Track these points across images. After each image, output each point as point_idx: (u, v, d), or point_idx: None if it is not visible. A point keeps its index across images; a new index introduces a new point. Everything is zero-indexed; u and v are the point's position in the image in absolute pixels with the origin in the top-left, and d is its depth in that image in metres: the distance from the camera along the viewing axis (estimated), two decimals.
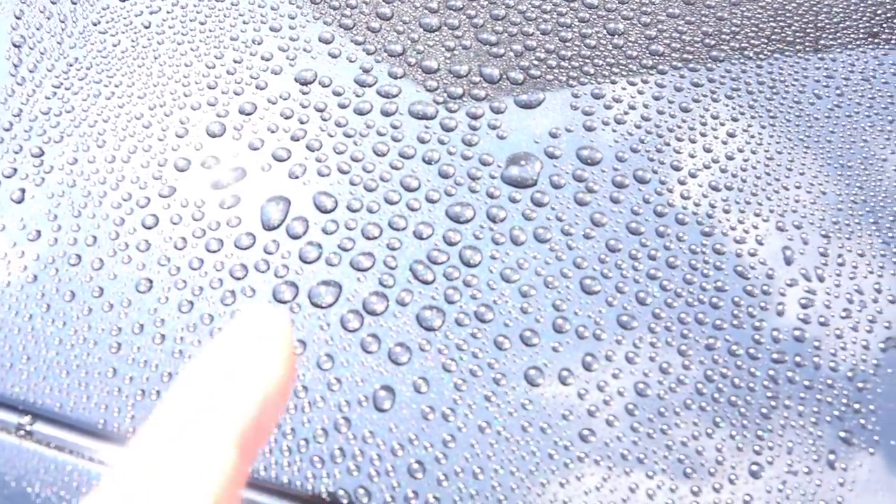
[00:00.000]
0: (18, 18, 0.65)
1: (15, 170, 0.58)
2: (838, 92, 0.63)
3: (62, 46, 0.63)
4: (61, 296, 0.53)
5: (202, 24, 0.64)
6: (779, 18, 0.67)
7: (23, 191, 0.57)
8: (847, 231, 0.57)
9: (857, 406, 0.51)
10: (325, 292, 0.53)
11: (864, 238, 0.57)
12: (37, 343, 0.52)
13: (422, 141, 0.59)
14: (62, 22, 0.65)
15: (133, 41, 0.63)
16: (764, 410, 0.50)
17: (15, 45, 0.63)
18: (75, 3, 0.66)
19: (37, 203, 0.57)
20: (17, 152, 0.58)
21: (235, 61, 0.62)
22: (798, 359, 0.52)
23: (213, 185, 0.57)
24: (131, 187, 0.57)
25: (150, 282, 0.54)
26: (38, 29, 0.64)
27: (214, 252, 0.54)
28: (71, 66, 0.62)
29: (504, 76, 0.62)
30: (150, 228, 0.55)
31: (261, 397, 0.30)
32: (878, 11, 0.68)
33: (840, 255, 0.56)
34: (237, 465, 0.29)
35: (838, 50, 0.65)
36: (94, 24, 0.64)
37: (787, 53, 0.65)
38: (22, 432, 0.50)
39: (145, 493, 0.28)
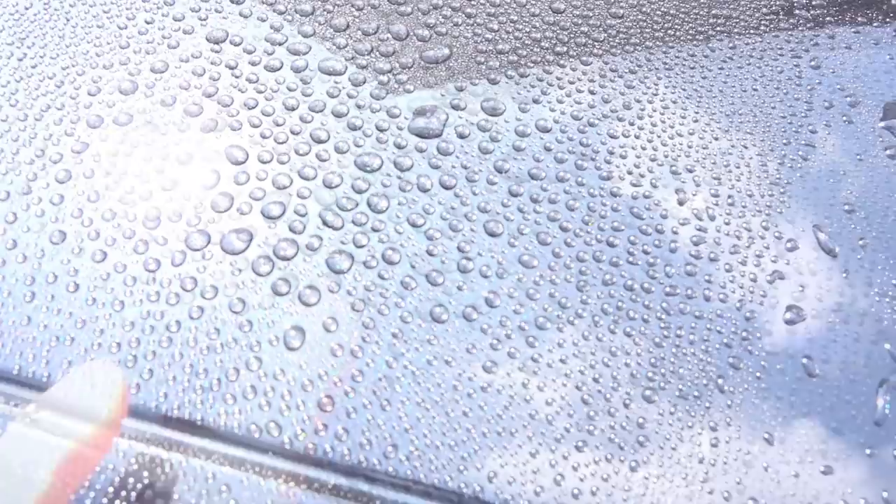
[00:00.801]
0: None
1: None
2: (731, 45, 0.66)
3: None
4: None
5: None
6: None
7: None
8: (737, 173, 0.60)
9: (744, 334, 0.54)
10: (237, 239, 0.55)
11: (753, 180, 0.60)
12: None
13: (331, 95, 0.61)
14: None
15: (45, 3, 0.64)
16: (657, 340, 0.53)
17: None
18: None
19: None
20: None
21: (147, 22, 0.64)
22: (689, 291, 0.55)
23: (126, 142, 0.58)
24: (44, 143, 0.58)
25: (63, 233, 0.55)
26: None
27: (126, 204, 0.56)
28: None
29: (411, 33, 0.64)
30: (62, 183, 0.56)
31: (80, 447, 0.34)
32: None
33: (730, 196, 0.59)
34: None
35: (732, 4, 0.68)
36: None
37: (682, 7, 0.68)
38: None
39: None
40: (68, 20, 0.63)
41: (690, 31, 0.66)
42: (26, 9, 0.64)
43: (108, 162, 0.57)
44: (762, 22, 0.68)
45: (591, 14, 0.66)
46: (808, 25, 0.68)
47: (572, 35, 0.65)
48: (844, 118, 0.63)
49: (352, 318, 0.53)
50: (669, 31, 0.66)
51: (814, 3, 0.70)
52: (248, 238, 0.55)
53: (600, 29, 0.66)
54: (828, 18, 0.69)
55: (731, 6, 0.69)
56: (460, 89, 0.62)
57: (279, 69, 0.62)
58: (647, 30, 0.66)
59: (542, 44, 0.65)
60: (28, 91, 0.60)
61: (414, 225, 0.56)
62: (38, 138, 0.58)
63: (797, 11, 0.69)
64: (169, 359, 0.51)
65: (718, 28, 0.67)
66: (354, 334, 0.52)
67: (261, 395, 0.50)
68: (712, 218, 0.58)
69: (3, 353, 0.51)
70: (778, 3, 0.69)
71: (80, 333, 0.52)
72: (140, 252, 0.54)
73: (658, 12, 0.67)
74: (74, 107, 0.59)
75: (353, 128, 0.59)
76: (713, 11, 0.68)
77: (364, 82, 0.62)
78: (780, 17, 0.68)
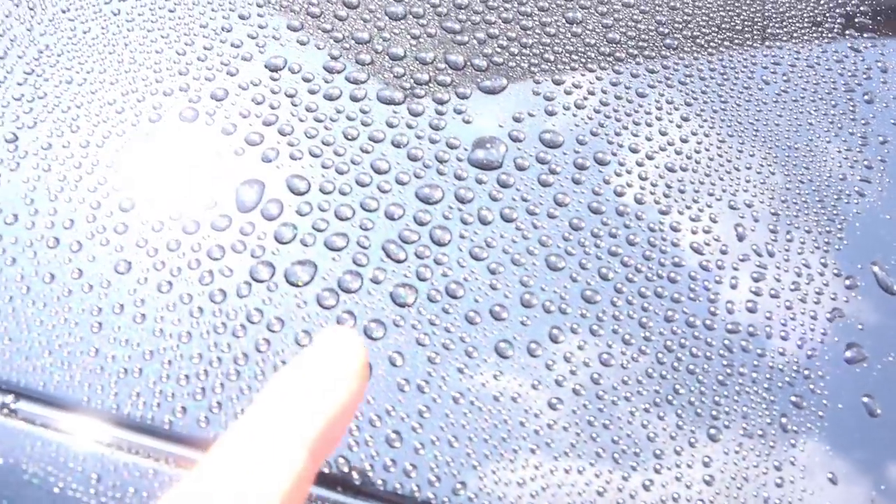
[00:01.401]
0: None
1: None
2: (785, 78, 0.66)
3: (32, 34, 0.64)
4: (41, 278, 0.54)
5: (171, 11, 0.65)
6: (728, 8, 0.70)
7: None
8: (794, 209, 0.60)
9: (806, 372, 0.54)
10: (301, 271, 0.55)
11: (811, 216, 0.60)
12: (18, 324, 0.53)
13: (390, 125, 0.61)
14: (31, 10, 0.65)
15: (103, 28, 0.64)
16: (720, 378, 0.53)
17: None
18: None
19: (13, 188, 0.57)
20: None
21: (206, 48, 0.64)
22: (751, 329, 0.55)
23: (189, 171, 0.58)
24: (107, 171, 0.58)
25: (129, 263, 0.55)
26: (6, 16, 0.65)
27: (191, 234, 0.56)
28: (42, 52, 0.63)
29: (468, 63, 0.64)
30: (126, 211, 0.57)
31: (333, 411, 0.35)
32: (822, 1, 0.71)
33: (788, 233, 0.59)
34: (308, 467, 0.34)
35: (784, 38, 0.69)
36: (64, 12, 0.65)
37: (735, 41, 0.68)
38: (6, 411, 0.51)
39: (226, 485, 0.32)
40: (127, 45, 0.63)
41: (744, 64, 0.67)
42: (84, 33, 0.64)
43: (171, 191, 0.57)
44: (815, 56, 0.68)
45: (645, 45, 0.67)
46: (861, 59, 0.69)
47: (628, 66, 0.65)
48: None
49: (417, 353, 0.53)
50: (723, 64, 0.67)
51: (865, 36, 0.70)
52: (313, 270, 0.55)
53: (655, 61, 0.66)
54: (881, 53, 0.69)
55: (784, 40, 0.69)
56: (518, 120, 0.62)
57: (338, 98, 0.62)
58: (702, 63, 0.66)
59: (598, 74, 0.65)
60: (89, 117, 0.60)
61: (476, 258, 0.56)
62: (101, 165, 0.58)
63: (850, 46, 0.69)
64: (237, 392, 0.51)
65: (772, 62, 0.67)
66: (420, 369, 0.52)
67: None
68: (771, 254, 0.58)
69: (72, 384, 0.51)
70: (830, 36, 0.70)
71: (148, 365, 0.52)
72: (205, 283, 0.54)
73: (711, 45, 0.68)
74: (136, 134, 0.60)
75: (414, 158, 0.60)
76: (766, 43, 0.68)
77: (423, 112, 0.62)
78: (833, 51, 0.69)
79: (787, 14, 0.70)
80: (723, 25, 0.69)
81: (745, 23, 0.69)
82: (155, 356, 0.52)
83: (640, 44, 0.67)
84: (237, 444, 0.34)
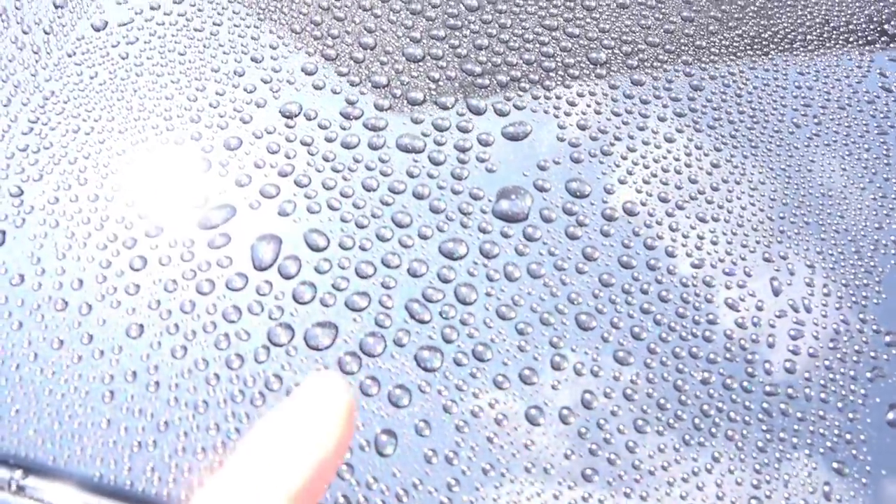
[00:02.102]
0: None
1: None
2: (816, 121, 0.64)
3: (37, 79, 0.61)
4: (49, 343, 0.52)
5: (182, 55, 0.63)
6: (756, 48, 0.68)
7: (3, 233, 0.55)
8: (831, 261, 0.58)
9: (847, 437, 0.52)
10: (322, 334, 0.53)
11: (848, 268, 0.58)
12: (25, 393, 0.50)
13: (411, 175, 0.59)
14: (35, 53, 0.63)
15: (111, 73, 0.62)
16: (760, 444, 0.51)
17: None
18: (48, 34, 0.64)
19: (18, 245, 0.55)
20: None
21: (218, 94, 0.61)
22: (790, 391, 0.53)
23: (202, 225, 0.56)
24: (117, 227, 0.56)
25: (142, 327, 0.52)
26: (10, 61, 0.62)
27: (206, 294, 0.53)
28: (47, 99, 0.60)
29: (490, 108, 0.62)
30: (138, 270, 0.54)
31: (317, 460, 0.33)
32: (850, 47, 0.69)
33: (825, 286, 0.57)
34: None
35: (814, 78, 0.67)
36: (70, 56, 0.63)
37: (766, 85, 0.66)
38: (14, 487, 0.48)
39: None
40: (136, 91, 0.61)
41: (774, 107, 0.64)
42: (91, 78, 0.62)
43: (183, 248, 0.55)
44: (847, 98, 0.66)
45: (671, 88, 0.64)
46: (893, 100, 0.66)
47: (655, 109, 0.63)
48: None
49: (444, 421, 0.51)
50: (753, 108, 0.64)
51: None
52: (334, 333, 0.53)
53: (682, 103, 0.64)
54: None
55: (814, 81, 0.67)
56: (543, 168, 0.60)
57: (356, 146, 0.60)
58: (730, 105, 0.64)
59: (624, 119, 0.62)
60: (97, 168, 0.58)
61: (504, 318, 0.54)
62: (111, 221, 0.56)
63: (882, 86, 0.67)
64: None
65: (802, 104, 0.65)
66: (448, 439, 0.50)
67: None
68: (808, 310, 0.56)
69: (83, 458, 0.49)
70: (862, 77, 0.68)
71: (162, 437, 0.49)
72: (221, 348, 0.52)
73: (739, 83, 0.65)
74: (147, 187, 0.57)
75: (436, 210, 0.57)
76: (796, 82, 0.66)
77: (444, 161, 0.59)
78: (865, 92, 0.66)
79: (816, 60, 0.68)
80: (752, 67, 0.66)
81: (775, 67, 0.67)
82: (170, 427, 0.50)
83: (667, 85, 0.64)
84: (218, 496, 0.32)
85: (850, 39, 0.69)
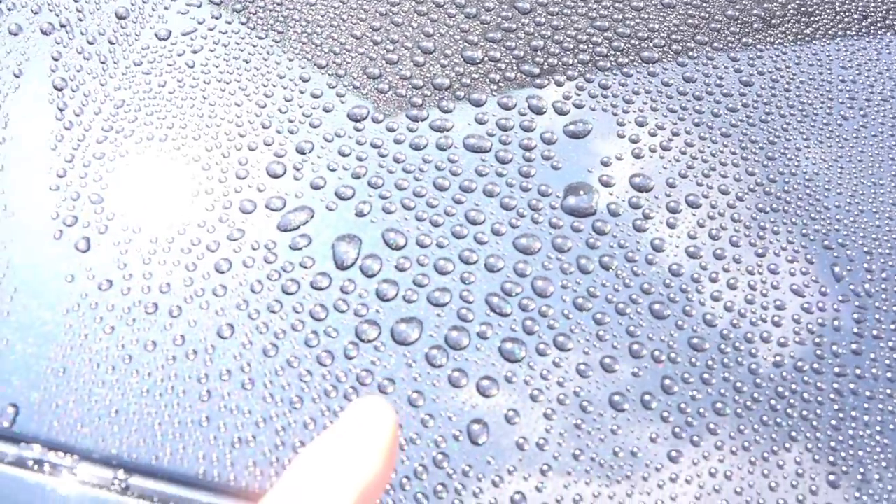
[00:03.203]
0: (56, 60, 0.64)
1: (76, 218, 0.57)
2: (862, 113, 0.66)
3: (106, 88, 0.63)
4: (142, 346, 0.53)
5: (247, 62, 0.64)
6: (799, 43, 0.70)
7: (87, 239, 0.56)
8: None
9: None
10: (408, 329, 0.54)
11: None
12: (123, 395, 0.51)
13: (480, 174, 0.60)
14: (102, 63, 0.64)
15: (179, 81, 0.63)
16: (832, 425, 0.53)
17: (57, 89, 0.63)
18: (113, 44, 0.65)
19: (104, 251, 0.56)
20: (75, 199, 0.58)
21: (286, 99, 0.63)
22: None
23: (282, 227, 0.57)
24: (199, 231, 0.57)
25: (232, 327, 0.54)
26: (78, 71, 0.63)
27: (292, 294, 0.55)
28: (119, 108, 0.62)
29: (550, 107, 0.64)
30: (223, 273, 0.55)
31: (364, 482, 0.35)
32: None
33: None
34: None
35: (857, 72, 0.69)
36: (137, 65, 0.64)
37: (811, 78, 0.68)
38: (119, 487, 0.49)
39: None
40: (205, 98, 0.62)
41: (822, 100, 0.67)
42: (160, 86, 0.63)
43: (266, 251, 0.56)
44: (889, 90, 0.68)
45: (723, 82, 0.66)
46: None
47: (708, 105, 0.65)
48: None
49: (532, 409, 0.52)
50: (801, 100, 0.66)
51: None
52: (419, 328, 0.54)
53: (734, 98, 0.66)
54: None
55: (857, 75, 0.69)
56: (606, 164, 0.61)
57: (424, 147, 0.61)
58: (780, 101, 0.66)
59: (680, 115, 0.64)
60: (174, 174, 0.59)
61: (581, 309, 0.55)
62: (192, 226, 0.57)
63: None
64: None
65: (848, 97, 0.67)
66: (538, 427, 0.52)
67: (452, 494, 0.50)
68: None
69: (185, 455, 0.50)
70: None
71: (261, 433, 0.51)
72: (311, 345, 0.53)
73: (787, 77, 0.67)
74: (225, 191, 0.58)
75: (507, 207, 0.59)
76: (840, 76, 0.68)
77: (511, 160, 0.61)
78: None
79: (857, 54, 0.70)
80: (799, 63, 0.69)
81: (819, 62, 0.69)
82: (268, 423, 0.51)
83: (719, 82, 0.66)
84: None
85: (889, 33, 0.72)
